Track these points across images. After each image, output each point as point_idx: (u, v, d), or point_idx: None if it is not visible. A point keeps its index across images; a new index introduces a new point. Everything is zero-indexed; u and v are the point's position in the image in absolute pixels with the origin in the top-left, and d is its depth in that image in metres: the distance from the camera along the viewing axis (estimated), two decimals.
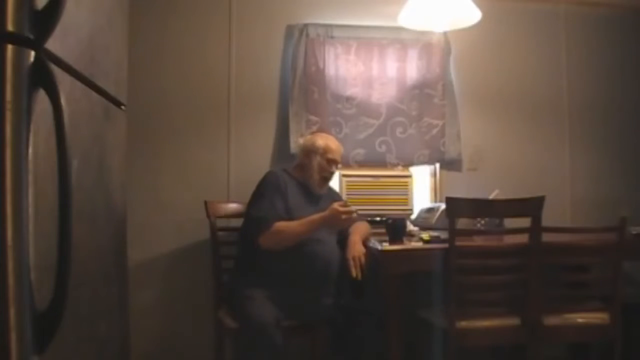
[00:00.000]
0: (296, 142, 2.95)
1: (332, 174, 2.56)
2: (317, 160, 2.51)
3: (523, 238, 2.20)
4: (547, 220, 2.18)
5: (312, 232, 2.31)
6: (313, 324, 2.41)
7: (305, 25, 3.03)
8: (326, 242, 2.40)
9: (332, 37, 3.05)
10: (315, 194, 2.53)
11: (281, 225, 2.29)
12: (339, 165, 2.63)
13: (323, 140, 2.55)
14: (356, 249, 2.34)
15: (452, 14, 2.67)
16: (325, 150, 2.52)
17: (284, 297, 2.27)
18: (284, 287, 2.29)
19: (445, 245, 2.15)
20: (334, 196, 2.65)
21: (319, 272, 2.33)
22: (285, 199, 2.39)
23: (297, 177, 2.54)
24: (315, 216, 2.31)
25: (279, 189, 2.40)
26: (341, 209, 2.27)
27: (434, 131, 3.12)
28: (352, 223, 2.43)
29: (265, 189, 2.41)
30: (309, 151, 2.54)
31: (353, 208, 2.32)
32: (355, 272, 2.26)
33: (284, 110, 3.04)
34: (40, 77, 0.99)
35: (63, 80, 1.12)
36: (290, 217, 2.35)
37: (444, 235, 2.25)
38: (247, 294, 2.27)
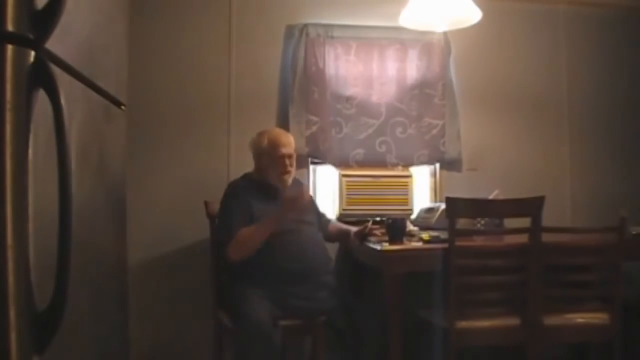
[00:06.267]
0: (296, 142, 2.94)
1: (286, 167, 2.45)
2: (266, 161, 2.46)
3: (523, 238, 2.19)
4: (547, 220, 2.18)
5: (273, 228, 2.28)
6: (313, 323, 2.41)
7: (305, 25, 3.03)
8: (297, 231, 2.37)
9: (332, 37, 3.05)
10: (276, 189, 2.46)
11: (242, 232, 2.29)
12: (293, 157, 2.49)
13: (267, 138, 2.47)
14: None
15: (452, 14, 2.66)
16: (272, 147, 2.44)
17: (278, 294, 2.27)
18: (275, 283, 2.28)
19: (445, 245, 2.15)
20: (298, 186, 2.59)
21: (296, 262, 2.30)
22: (248, 205, 2.36)
23: (258, 179, 2.50)
24: (272, 215, 2.30)
25: (238, 198, 2.39)
26: (291, 200, 2.29)
27: (434, 131, 3.12)
28: (305, 202, 2.37)
29: (224, 203, 2.43)
30: (256, 154, 2.51)
31: (306, 193, 2.36)
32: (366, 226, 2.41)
33: (284, 111, 3.04)
34: (40, 77, 0.99)
35: (63, 80, 1.12)
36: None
37: (444, 235, 2.24)
38: (243, 293, 2.27)
